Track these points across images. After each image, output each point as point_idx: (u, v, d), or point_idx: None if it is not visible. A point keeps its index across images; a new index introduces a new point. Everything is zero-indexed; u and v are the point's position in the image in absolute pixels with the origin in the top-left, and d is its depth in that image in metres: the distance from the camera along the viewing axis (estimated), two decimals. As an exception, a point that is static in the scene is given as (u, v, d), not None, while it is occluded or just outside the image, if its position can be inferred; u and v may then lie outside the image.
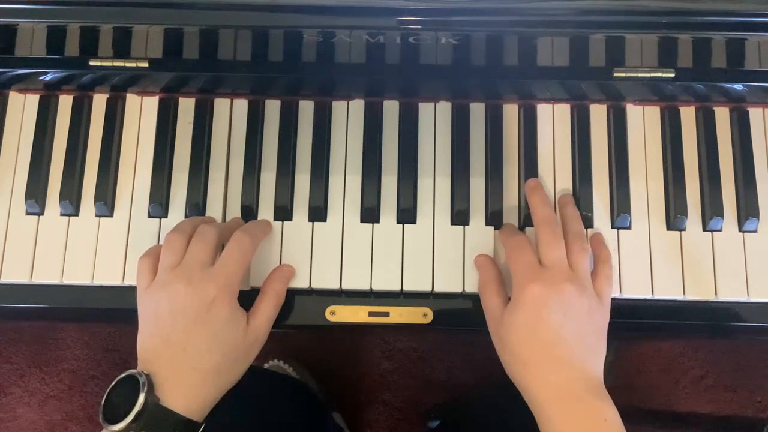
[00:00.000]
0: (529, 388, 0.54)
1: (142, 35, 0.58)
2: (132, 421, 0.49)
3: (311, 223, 0.64)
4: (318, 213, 0.64)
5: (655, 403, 1.24)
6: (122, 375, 0.52)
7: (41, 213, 0.64)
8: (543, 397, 0.53)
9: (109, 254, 0.63)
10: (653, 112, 0.67)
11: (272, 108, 0.67)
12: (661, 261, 0.63)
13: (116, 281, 0.63)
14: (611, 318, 0.59)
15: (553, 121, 0.67)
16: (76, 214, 0.64)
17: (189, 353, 0.53)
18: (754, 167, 0.65)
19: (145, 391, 0.50)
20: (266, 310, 0.58)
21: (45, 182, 0.65)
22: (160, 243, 0.63)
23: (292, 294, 0.62)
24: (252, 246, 0.58)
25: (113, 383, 0.52)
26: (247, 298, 0.58)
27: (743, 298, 0.62)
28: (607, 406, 0.53)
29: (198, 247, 0.56)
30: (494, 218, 0.64)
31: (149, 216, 0.64)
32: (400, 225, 0.64)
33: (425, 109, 0.67)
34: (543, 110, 0.67)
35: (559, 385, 0.53)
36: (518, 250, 0.58)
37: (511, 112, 0.67)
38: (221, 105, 0.67)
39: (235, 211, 0.64)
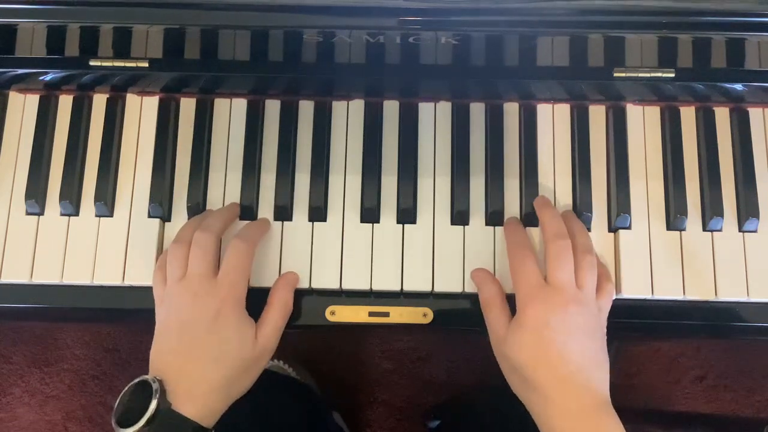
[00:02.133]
0: (534, 406, 0.55)
1: (142, 35, 0.58)
2: (144, 425, 0.50)
3: (311, 223, 0.64)
4: (318, 213, 0.64)
5: (655, 403, 1.23)
6: (135, 380, 0.53)
7: (41, 213, 0.64)
8: (548, 414, 0.53)
9: (109, 254, 0.63)
10: (653, 112, 0.67)
11: (272, 108, 0.67)
12: (661, 261, 0.63)
13: (116, 281, 0.63)
14: (611, 318, 0.59)
15: (553, 121, 0.67)
16: (76, 214, 0.64)
17: (197, 365, 0.54)
18: (754, 167, 0.65)
19: (157, 396, 0.51)
20: (274, 320, 0.59)
21: (45, 182, 0.65)
22: (160, 244, 0.64)
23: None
24: (250, 252, 0.59)
25: (126, 388, 0.53)
26: (248, 298, 0.58)
27: (743, 298, 0.62)
28: (612, 421, 0.53)
29: (197, 258, 0.57)
30: (494, 218, 0.64)
31: (149, 216, 0.64)
32: (400, 225, 0.64)
33: (425, 109, 0.67)
34: (543, 110, 0.67)
35: (564, 403, 0.53)
36: (523, 266, 0.57)
37: (511, 112, 0.67)
38: (221, 105, 0.67)
39: (235, 211, 0.64)
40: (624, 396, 1.23)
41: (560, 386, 0.53)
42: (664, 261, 0.63)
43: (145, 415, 0.50)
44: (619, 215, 0.63)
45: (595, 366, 0.54)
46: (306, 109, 0.66)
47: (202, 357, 0.54)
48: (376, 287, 0.62)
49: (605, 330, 0.58)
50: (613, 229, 0.64)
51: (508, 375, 0.57)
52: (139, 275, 0.62)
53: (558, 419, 0.53)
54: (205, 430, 0.53)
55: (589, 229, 0.64)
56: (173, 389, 0.52)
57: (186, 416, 0.52)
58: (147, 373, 0.54)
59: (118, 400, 0.52)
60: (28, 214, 0.64)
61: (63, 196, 0.64)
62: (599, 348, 0.56)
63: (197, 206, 0.64)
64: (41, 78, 0.65)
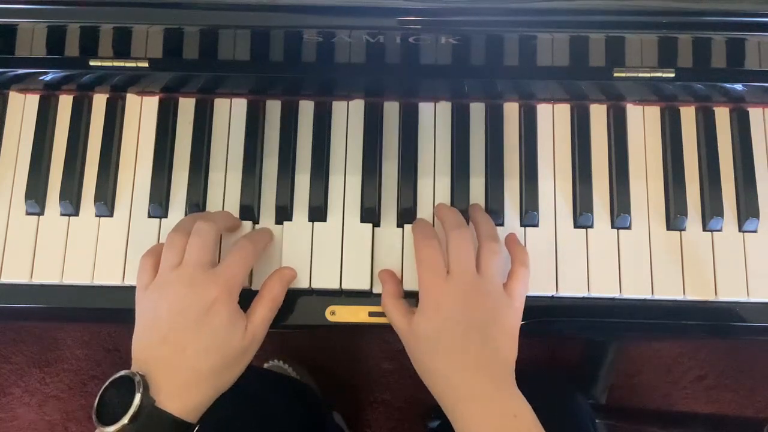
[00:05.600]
0: (441, 396, 0.55)
1: (142, 35, 0.58)
2: (128, 423, 0.49)
3: (311, 223, 0.64)
4: (318, 213, 0.64)
5: (655, 403, 1.24)
6: (116, 375, 0.51)
7: (41, 213, 0.64)
8: (453, 402, 0.54)
9: (109, 254, 0.63)
10: (653, 112, 0.67)
11: (272, 108, 0.67)
12: (661, 261, 0.63)
13: (116, 281, 0.63)
14: (613, 318, 0.59)
15: (553, 121, 0.67)
16: (76, 214, 0.64)
17: (187, 354, 0.53)
18: (754, 167, 0.65)
19: (140, 391, 0.49)
20: (262, 312, 0.58)
21: (45, 182, 0.65)
22: (160, 243, 0.63)
23: (292, 294, 0.62)
24: (254, 252, 0.59)
25: (106, 383, 0.51)
26: (247, 298, 0.58)
27: (743, 298, 0.62)
28: (517, 402, 0.53)
29: (197, 246, 0.56)
30: (494, 218, 0.64)
31: (149, 216, 0.64)
32: (400, 225, 0.64)
33: (425, 109, 0.67)
34: (543, 110, 0.67)
35: (467, 390, 0.53)
36: (426, 258, 0.57)
37: (511, 112, 0.67)
38: (221, 105, 0.67)
39: (235, 211, 0.64)
40: (624, 396, 1.23)
41: (460, 373, 0.53)
42: (664, 261, 0.63)
43: (129, 410, 0.48)
44: (619, 215, 0.63)
45: (496, 349, 0.55)
46: (306, 109, 0.66)
47: (193, 347, 0.53)
48: (376, 287, 0.62)
49: (518, 317, 0.57)
50: (613, 228, 0.64)
51: (416, 367, 0.57)
52: (139, 275, 0.62)
53: (461, 406, 0.53)
54: (190, 426, 0.52)
55: (591, 227, 0.64)
56: (158, 383, 0.51)
57: (170, 412, 0.51)
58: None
59: (98, 397, 0.51)
60: (28, 214, 0.64)
61: (63, 196, 0.64)
62: (503, 332, 0.56)
63: (197, 206, 0.64)
64: (41, 78, 0.65)
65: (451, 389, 0.54)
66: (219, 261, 0.57)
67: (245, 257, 0.57)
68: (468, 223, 0.62)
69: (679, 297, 0.63)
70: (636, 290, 0.63)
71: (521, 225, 0.64)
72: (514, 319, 0.57)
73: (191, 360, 0.53)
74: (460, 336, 0.54)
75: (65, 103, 0.67)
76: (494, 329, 0.55)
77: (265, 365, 1.18)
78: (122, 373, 0.51)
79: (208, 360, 0.53)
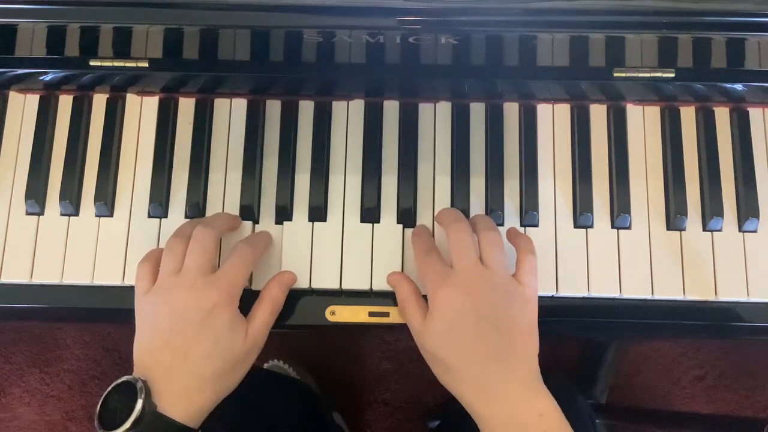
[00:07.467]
0: (462, 395, 0.54)
1: (142, 35, 0.58)
2: (130, 428, 0.49)
3: (311, 223, 0.64)
4: (318, 213, 0.64)
5: (655, 403, 1.24)
6: (118, 381, 0.52)
7: (41, 213, 0.64)
8: (475, 401, 0.53)
9: (109, 254, 0.63)
10: (653, 112, 0.67)
11: (272, 108, 0.67)
12: (661, 261, 0.63)
13: (116, 281, 0.63)
14: (613, 318, 0.58)
15: (553, 121, 0.67)
16: (76, 214, 0.64)
17: (189, 359, 0.53)
18: (754, 167, 0.65)
19: (142, 397, 0.50)
20: (263, 316, 0.58)
21: (45, 182, 0.65)
22: (159, 244, 0.63)
23: (292, 294, 0.62)
24: (255, 256, 0.59)
25: (108, 389, 0.51)
26: (246, 299, 0.58)
27: (743, 298, 0.62)
28: (541, 400, 0.52)
29: (196, 252, 0.56)
30: (494, 218, 0.64)
31: (149, 216, 0.64)
32: (400, 225, 0.64)
33: (425, 109, 0.67)
34: (543, 110, 0.67)
35: (488, 386, 0.52)
36: (427, 262, 0.57)
37: (511, 112, 0.67)
38: (221, 105, 0.67)
39: (235, 211, 0.64)
40: (624, 396, 1.23)
41: (479, 368, 0.52)
42: (664, 261, 0.63)
43: (131, 417, 0.49)
44: (619, 215, 0.63)
45: (515, 342, 0.53)
46: (306, 109, 0.66)
47: (195, 352, 0.53)
48: (376, 287, 0.62)
49: (533, 307, 0.56)
50: (613, 228, 0.64)
51: (433, 369, 0.56)
52: (139, 275, 0.62)
53: (484, 404, 0.52)
54: (192, 431, 0.52)
55: (591, 227, 0.64)
56: (160, 388, 0.51)
57: (172, 418, 0.51)
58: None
59: (100, 402, 0.51)
60: (28, 214, 0.64)
61: (63, 196, 0.64)
62: (520, 323, 0.54)
63: (197, 206, 0.64)
64: (41, 78, 0.65)
65: (470, 388, 0.53)
66: (219, 265, 0.57)
67: (245, 261, 0.57)
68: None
69: (679, 297, 0.63)
70: (636, 290, 0.63)
71: (521, 225, 0.64)
72: (529, 308, 0.56)
73: (193, 365, 0.53)
74: (472, 327, 0.53)
75: (65, 103, 0.67)
76: (508, 321, 0.54)
77: (265, 365, 1.18)
78: (124, 378, 0.52)
79: (210, 365, 0.53)
